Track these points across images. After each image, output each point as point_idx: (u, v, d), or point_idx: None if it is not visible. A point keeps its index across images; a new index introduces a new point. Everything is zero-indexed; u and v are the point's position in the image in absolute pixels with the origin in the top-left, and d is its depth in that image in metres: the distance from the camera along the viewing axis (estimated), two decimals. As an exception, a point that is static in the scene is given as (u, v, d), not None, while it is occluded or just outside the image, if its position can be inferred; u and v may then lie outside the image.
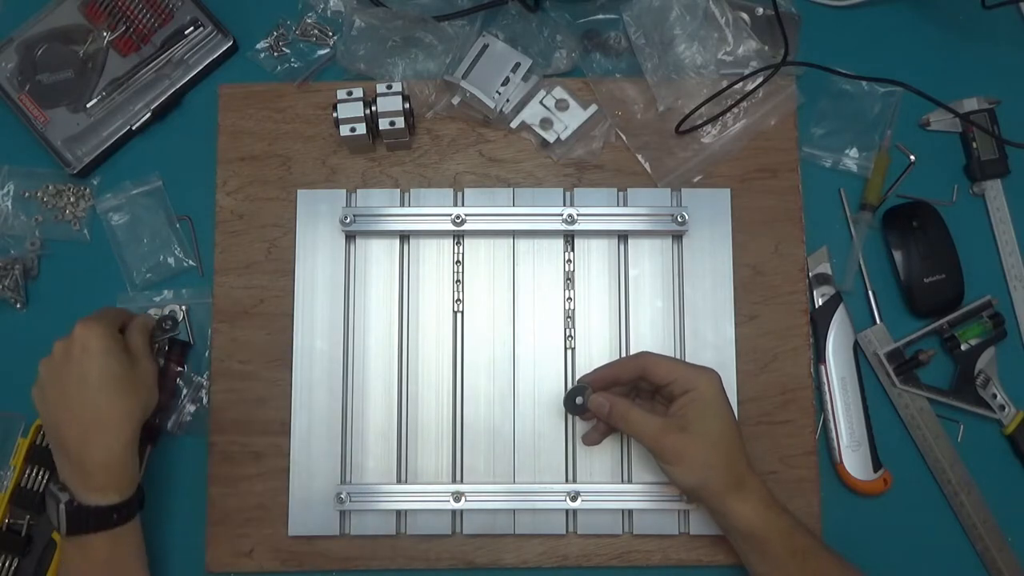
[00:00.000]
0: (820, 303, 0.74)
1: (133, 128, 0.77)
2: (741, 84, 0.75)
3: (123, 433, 0.64)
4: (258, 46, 0.79)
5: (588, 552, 0.72)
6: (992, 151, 0.76)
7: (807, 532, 0.65)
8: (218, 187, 0.76)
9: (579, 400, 0.68)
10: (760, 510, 0.64)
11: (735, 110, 0.75)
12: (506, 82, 0.74)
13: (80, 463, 0.63)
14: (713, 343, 0.72)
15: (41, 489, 0.71)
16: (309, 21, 0.79)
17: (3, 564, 0.71)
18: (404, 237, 0.75)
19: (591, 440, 0.71)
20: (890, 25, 0.80)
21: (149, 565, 0.66)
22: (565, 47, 0.76)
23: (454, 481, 0.71)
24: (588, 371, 0.69)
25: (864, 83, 0.76)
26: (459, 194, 0.75)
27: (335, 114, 0.72)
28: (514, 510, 0.71)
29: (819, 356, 0.73)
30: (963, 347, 0.73)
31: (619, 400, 0.66)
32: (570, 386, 0.72)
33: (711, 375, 0.65)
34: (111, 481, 0.64)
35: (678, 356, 0.73)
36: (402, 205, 0.75)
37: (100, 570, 0.64)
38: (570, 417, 0.72)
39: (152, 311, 0.75)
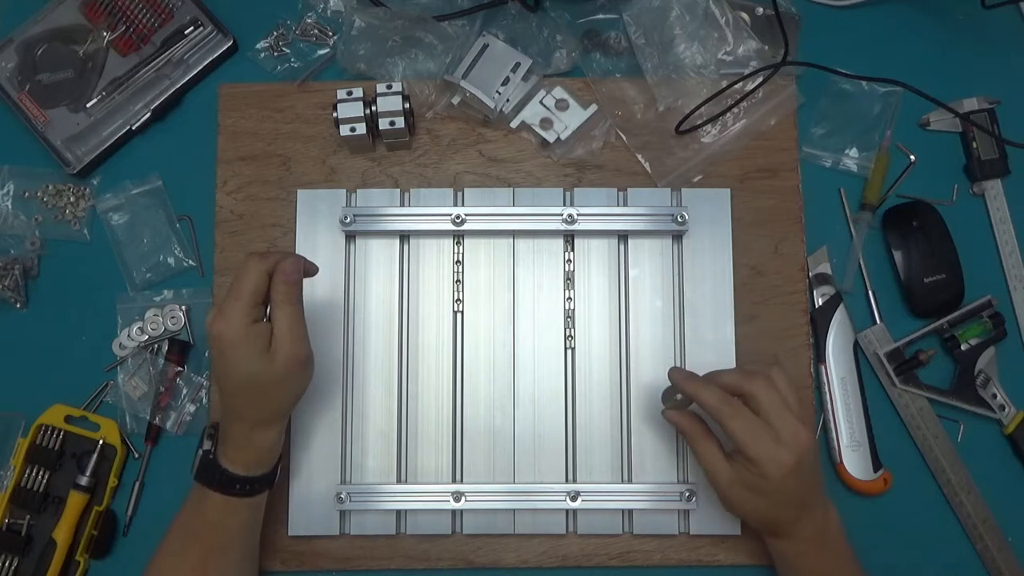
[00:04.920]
0: (820, 303, 0.74)
1: (133, 128, 0.77)
2: (741, 84, 0.75)
3: (267, 419, 0.63)
4: (258, 46, 0.79)
5: (588, 552, 0.72)
6: (992, 151, 0.76)
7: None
8: (218, 187, 0.76)
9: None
10: (800, 548, 0.64)
11: (735, 110, 0.75)
12: (506, 82, 0.73)
13: (225, 428, 0.64)
14: (713, 343, 0.72)
15: (41, 489, 0.72)
16: (309, 21, 0.79)
17: (3, 564, 0.71)
18: (404, 237, 0.75)
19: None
20: (890, 25, 0.80)
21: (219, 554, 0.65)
22: (565, 47, 0.76)
23: (454, 481, 0.71)
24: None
25: (864, 83, 0.76)
26: (459, 194, 0.75)
27: (335, 114, 0.72)
28: (514, 510, 0.71)
29: (819, 356, 0.73)
30: (963, 347, 0.73)
31: (693, 426, 0.65)
32: (572, 386, 0.73)
33: (782, 456, 0.60)
34: (243, 456, 0.63)
35: (677, 357, 0.73)
36: (402, 205, 0.75)
37: (206, 529, 0.64)
38: (570, 417, 0.72)
39: (152, 311, 0.75)
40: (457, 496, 0.70)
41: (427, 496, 0.70)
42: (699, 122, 0.75)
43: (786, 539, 0.65)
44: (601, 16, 0.77)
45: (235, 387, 0.62)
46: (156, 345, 0.75)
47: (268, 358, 0.61)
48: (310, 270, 0.64)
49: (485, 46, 0.74)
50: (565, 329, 0.73)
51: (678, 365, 0.72)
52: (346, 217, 0.72)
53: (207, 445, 0.65)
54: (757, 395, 0.61)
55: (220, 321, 0.60)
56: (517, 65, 0.74)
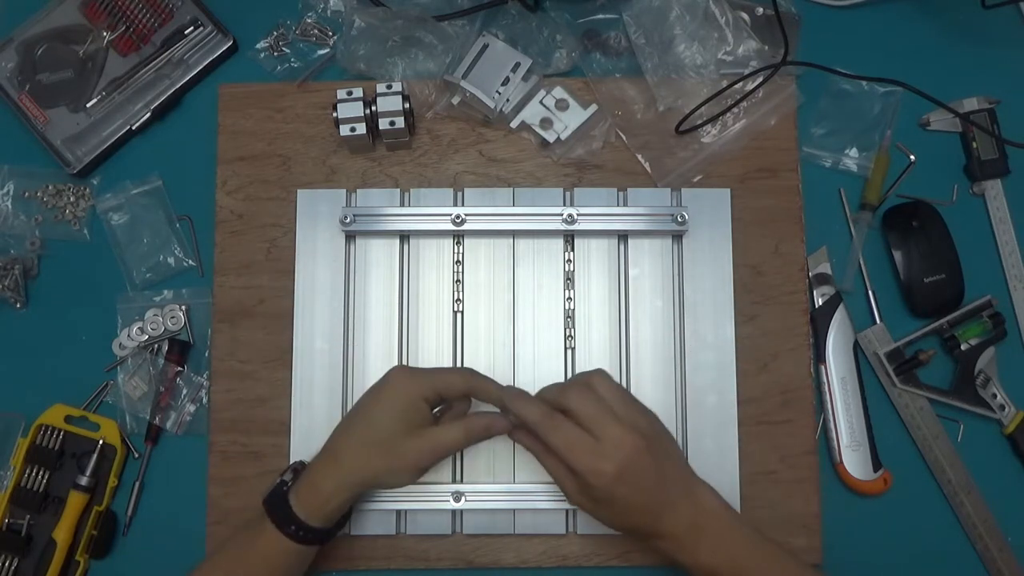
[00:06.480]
0: (820, 303, 0.74)
1: (133, 128, 0.77)
2: (741, 84, 0.75)
3: (351, 481, 0.63)
4: (258, 46, 0.79)
5: (588, 552, 0.72)
6: (992, 151, 0.76)
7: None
8: (218, 187, 0.76)
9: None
10: (675, 544, 0.62)
11: (735, 110, 0.75)
12: (506, 82, 0.74)
13: (311, 468, 0.64)
14: (713, 343, 0.72)
15: (41, 489, 0.72)
16: (309, 21, 0.79)
17: (3, 564, 0.71)
18: (404, 237, 0.75)
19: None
20: (890, 25, 0.80)
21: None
22: (565, 47, 0.76)
23: (454, 481, 0.71)
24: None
25: (864, 83, 0.76)
26: (459, 194, 0.75)
27: (335, 114, 0.72)
28: (514, 510, 0.71)
29: (819, 356, 0.73)
30: (963, 347, 0.73)
31: (535, 443, 0.64)
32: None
33: (601, 466, 0.59)
34: (310, 500, 0.62)
35: (677, 356, 0.73)
36: (402, 205, 0.75)
37: (253, 556, 0.63)
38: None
39: (152, 311, 0.75)
40: (457, 496, 0.70)
41: (427, 496, 0.70)
42: (699, 122, 0.75)
43: (657, 539, 0.63)
44: (601, 16, 0.77)
45: (359, 430, 0.64)
46: (156, 345, 0.75)
47: (405, 439, 0.63)
48: (500, 429, 0.66)
49: (485, 46, 0.74)
50: (565, 329, 0.73)
51: (678, 365, 0.72)
52: (346, 217, 0.72)
53: (287, 476, 0.65)
54: (571, 406, 0.62)
55: (406, 373, 0.64)
56: (517, 65, 0.74)
